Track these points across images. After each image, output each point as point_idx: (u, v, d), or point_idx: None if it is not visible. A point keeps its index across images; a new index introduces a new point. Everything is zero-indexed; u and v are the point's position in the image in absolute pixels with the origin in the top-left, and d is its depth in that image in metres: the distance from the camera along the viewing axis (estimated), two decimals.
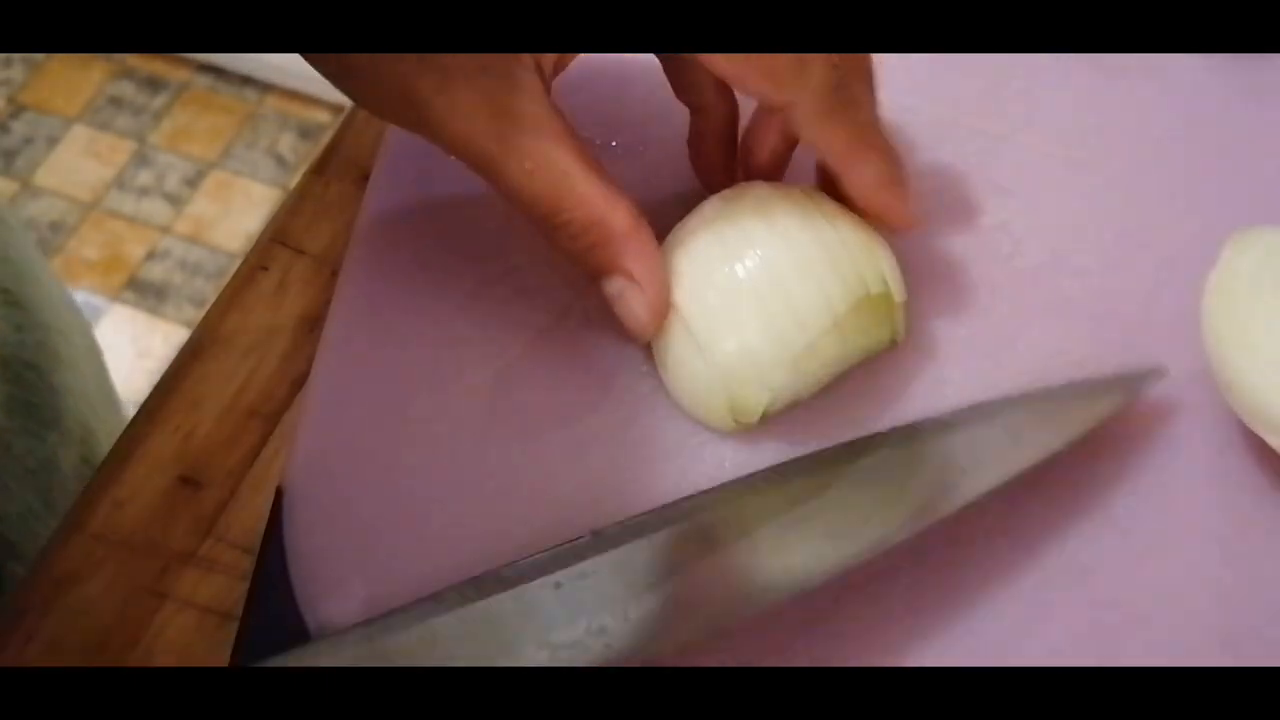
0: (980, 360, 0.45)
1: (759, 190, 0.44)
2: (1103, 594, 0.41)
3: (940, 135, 0.50)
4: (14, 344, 0.60)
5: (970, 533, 0.42)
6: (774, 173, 0.47)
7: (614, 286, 0.43)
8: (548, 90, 0.42)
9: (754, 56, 0.41)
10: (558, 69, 0.44)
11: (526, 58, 0.41)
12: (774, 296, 0.42)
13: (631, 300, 0.43)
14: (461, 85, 0.41)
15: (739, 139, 0.48)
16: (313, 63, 0.43)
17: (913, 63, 0.51)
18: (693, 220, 0.45)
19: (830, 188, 0.45)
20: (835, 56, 0.41)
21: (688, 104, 0.47)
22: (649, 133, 0.50)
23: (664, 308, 0.43)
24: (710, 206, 0.44)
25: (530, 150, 0.41)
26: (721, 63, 0.41)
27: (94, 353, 0.70)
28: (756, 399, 0.43)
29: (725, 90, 0.47)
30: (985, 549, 0.42)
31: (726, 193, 0.45)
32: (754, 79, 0.41)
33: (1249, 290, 0.42)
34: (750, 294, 0.42)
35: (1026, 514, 0.43)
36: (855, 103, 0.42)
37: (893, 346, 0.45)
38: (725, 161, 0.48)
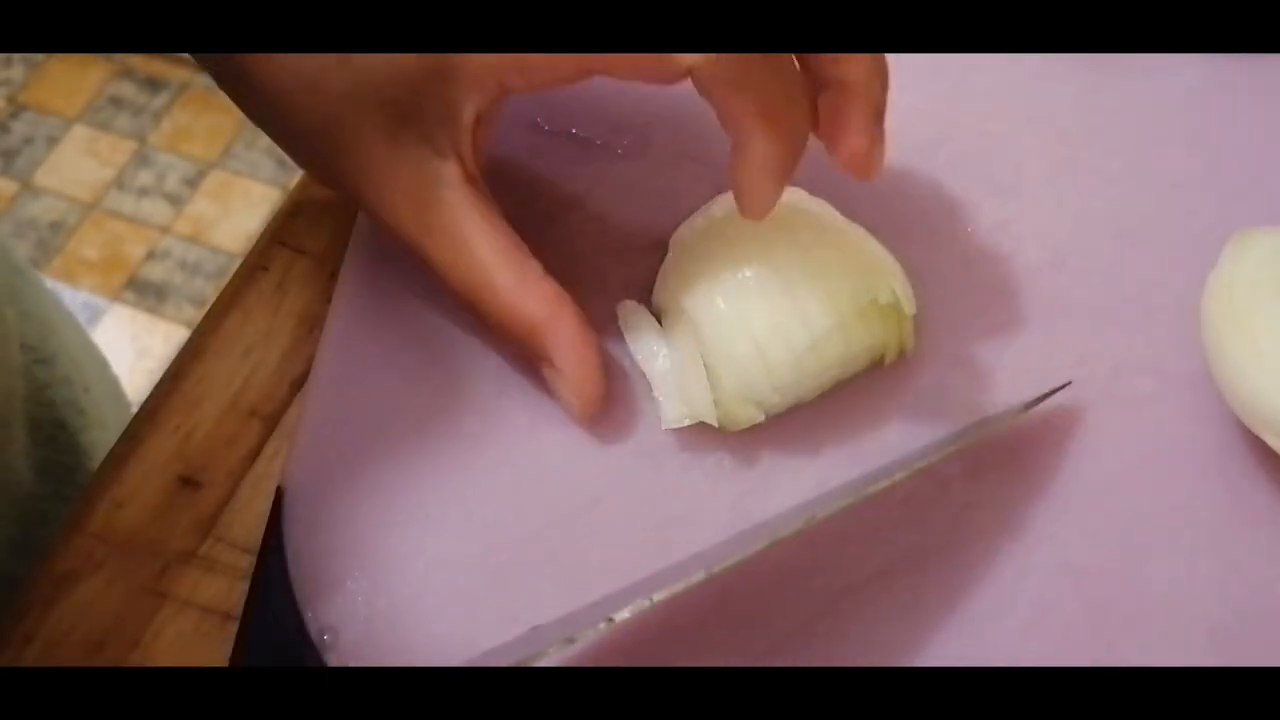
0: (980, 361, 0.45)
1: None
2: (1101, 594, 0.41)
3: (940, 135, 0.50)
4: (44, 404, 0.59)
5: (970, 533, 0.42)
6: None
7: (547, 374, 0.44)
8: (470, 176, 0.43)
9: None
10: (478, 146, 0.44)
11: (443, 145, 0.42)
12: (780, 294, 0.42)
13: (560, 389, 0.43)
14: (384, 175, 0.42)
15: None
16: (261, 125, 0.45)
17: (913, 62, 0.51)
18: (700, 221, 0.45)
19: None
20: None
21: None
22: (650, 134, 0.50)
23: (594, 393, 0.43)
24: (718, 207, 0.44)
25: (449, 239, 0.42)
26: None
27: (118, 400, 0.68)
28: (764, 399, 0.42)
29: None
30: (985, 549, 0.42)
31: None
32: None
33: (1249, 291, 0.42)
34: (757, 294, 0.42)
35: (1025, 514, 0.43)
36: (763, 75, 0.39)
37: (902, 358, 0.45)
38: None
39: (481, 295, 0.43)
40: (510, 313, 0.43)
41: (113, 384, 0.68)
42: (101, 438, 0.62)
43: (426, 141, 0.42)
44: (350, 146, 0.43)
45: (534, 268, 0.43)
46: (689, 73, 0.40)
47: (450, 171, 0.42)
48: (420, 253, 0.43)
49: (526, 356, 0.44)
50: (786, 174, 0.41)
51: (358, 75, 0.41)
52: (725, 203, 0.44)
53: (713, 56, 0.39)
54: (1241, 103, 0.51)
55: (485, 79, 0.41)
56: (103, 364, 0.68)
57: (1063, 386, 0.44)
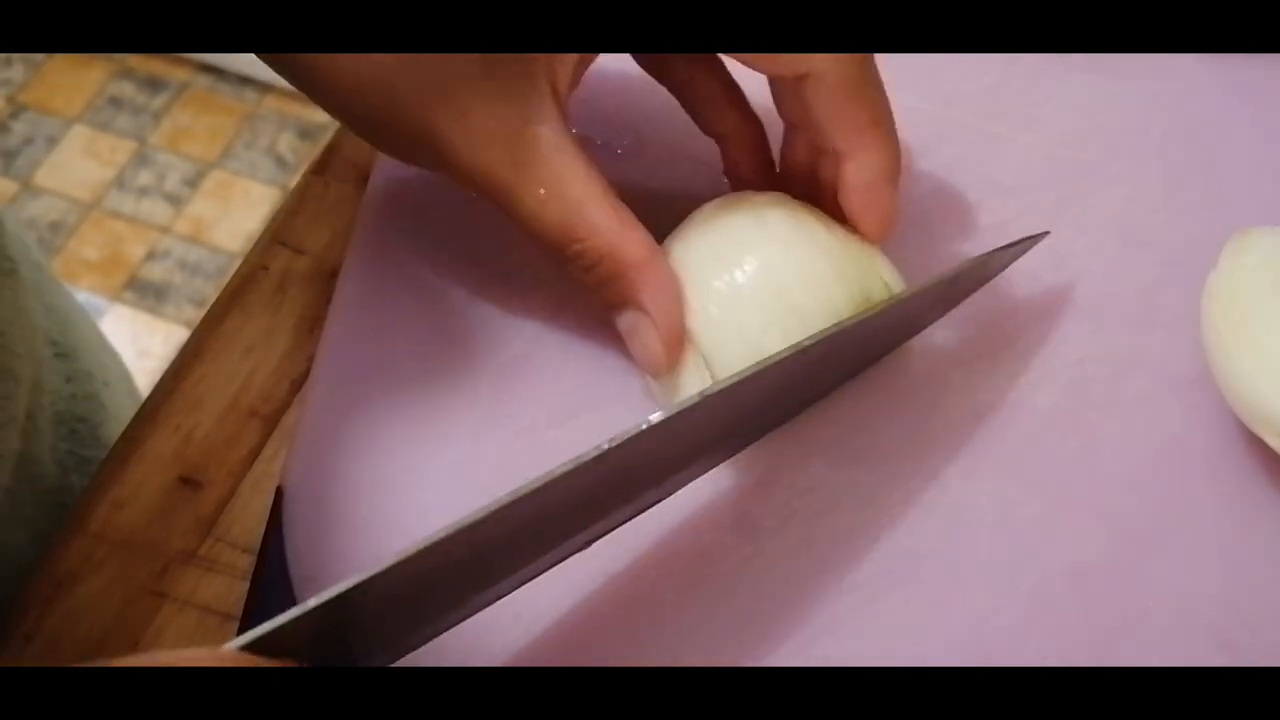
0: (980, 360, 0.45)
1: (753, 198, 0.44)
2: (1102, 594, 0.41)
3: (940, 135, 0.50)
4: (66, 398, 0.59)
5: (969, 532, 0.42)
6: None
7: (626, 321, 0.43)
8: (563, 115, 0.42)
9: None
10: (572, 86, 0.43)
11: (542, 83, 0.41)
12: (776, 299, 0.42)
13: (645, 335, 0.42)
14: (478, 114, 0.41)
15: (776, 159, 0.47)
16: (329, 109, 0.43)
17: (913, 63, 0.51)
18: (686, 229, 0.44)
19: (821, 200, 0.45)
20: None
21: (714, 135, 0.47)
22: (648, 134, 0.50)
23: (678, 342, 0.42)
24: (702, 215, 0.44)
25: (544, 177, 0.41)
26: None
27: (132, 395, 0.68)
28: None
29: (748, 113, 0.46)
30: (985, 549, 0.42)
31: (719, 200, 0.44)
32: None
33: (1249, 291, 0.42)
34: (751, 299, 0.42)
35: (1025, 513, 0.43)
36: (877, 83, 0.42)
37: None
38: (766, 183, 0.47)
39: (576, 233, 0.41)
40: (608, 251, 0.41)
41: (126, 379, 0.69)
42: (118, 432, 0.62)
43: (523, 77, 0.41)
44: (444, 89, 0.41)
45: (629, 211, 0.42)
46: (809, 74, 0.41)
47: (547, 108, 0.41)
48: (508, 197, 0.42)
49: (609, 300, 0.43)
50: (897, 181, 0.42)
51: None
52: (721, 204, 0.44)
53: (836, 58, 0.40)
54: (1241, 103, 0.51)
55: None
56: (117, 358, 0.68)
57: (1042, 235, 0.45)
